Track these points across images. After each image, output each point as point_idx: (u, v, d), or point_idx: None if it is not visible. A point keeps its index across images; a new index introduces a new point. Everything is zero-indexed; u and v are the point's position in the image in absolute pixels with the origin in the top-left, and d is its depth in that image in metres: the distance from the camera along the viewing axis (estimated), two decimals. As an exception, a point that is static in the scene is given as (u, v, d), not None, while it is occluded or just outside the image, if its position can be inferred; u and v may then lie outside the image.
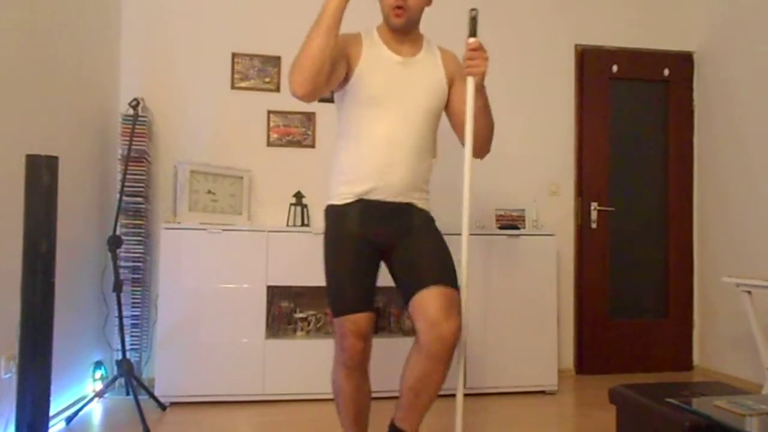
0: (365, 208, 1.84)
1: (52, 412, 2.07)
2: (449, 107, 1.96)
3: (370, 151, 1.83)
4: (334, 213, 1.90)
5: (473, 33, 1.79)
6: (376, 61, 1.84)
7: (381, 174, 1.82)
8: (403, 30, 1.86)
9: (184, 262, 3.04)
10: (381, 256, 1.91)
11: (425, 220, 1.92)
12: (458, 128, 1.95)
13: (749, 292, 2.92)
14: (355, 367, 1.86)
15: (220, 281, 3.07)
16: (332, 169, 1.94)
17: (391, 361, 3.32)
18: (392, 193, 1.84)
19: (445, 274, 1.79)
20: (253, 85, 3.60)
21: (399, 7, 1.80)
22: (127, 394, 2.85)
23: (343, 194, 1.87)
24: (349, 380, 1.89)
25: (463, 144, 1.89)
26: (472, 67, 1.79)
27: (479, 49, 1.78)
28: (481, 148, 1.94)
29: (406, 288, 1.83)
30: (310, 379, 3.07)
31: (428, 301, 1.73)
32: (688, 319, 4.00)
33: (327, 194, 1.95)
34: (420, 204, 1.92)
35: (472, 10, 1.79)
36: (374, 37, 1.89)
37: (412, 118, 1.85)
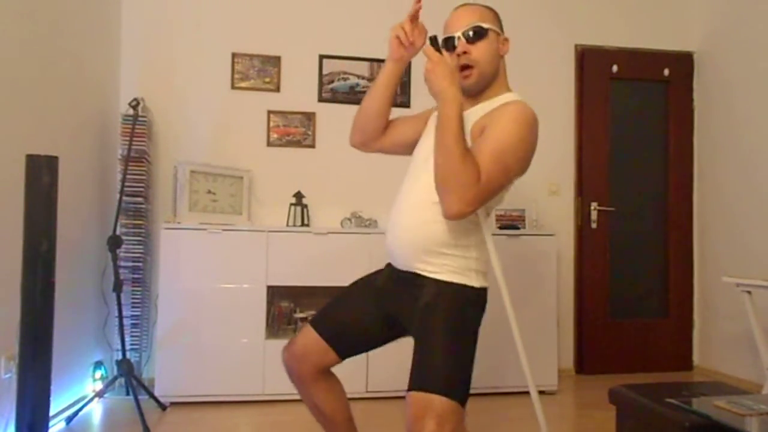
0: (392, 274, 1.72)
1: (52, 412, 2.07)
2: None
3: (394, 215, 1.68)
4: (378, 270, 1.81)
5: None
6: (427, 137, 1.68)
7: (390, 239, 1.68)
8: (476, 89, 1.64)
9: (184, 262, 3.04)
10: (393, 329, 1.74)
11: (433, 296, 1.57)
12: None
13: (749, 292, 2.92)
14: (294, 381, 1.79)
15: (220, 281, 3.07)
16: None
17: (391, 361, 3.32)
18: (402, 260, 1.66)
19: (430, 376, 1.46)
20: (253, 85, 3.60)
21: (464, 67, 1.60)
22: (127, 394, 2.85)
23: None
24: (300, 391, 1.81)
25: None
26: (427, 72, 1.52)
27: (430, 57, 1.50)
28: (443, 199, 1.48)
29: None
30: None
31: (407, 403, 1.46)
32: (688, 319, 4.00)
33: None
34: (428, 272, 1.59)
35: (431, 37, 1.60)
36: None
37: (428, 179, 1.55)
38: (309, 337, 1.74)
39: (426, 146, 1.65)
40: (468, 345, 1.60)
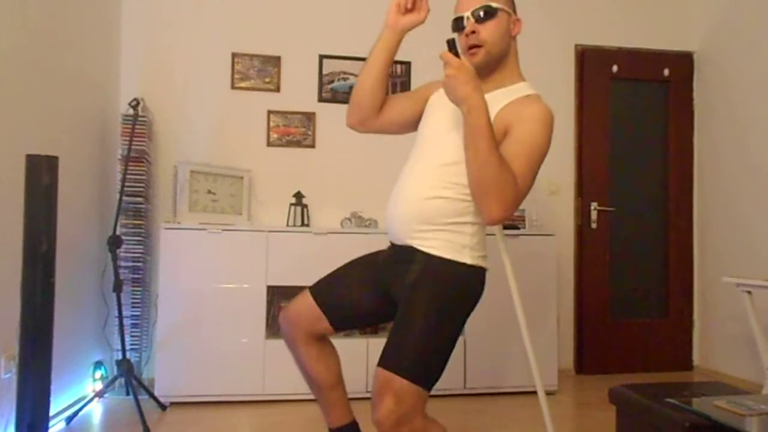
0: (393, 251, 1.75)
1: (52, 412, 2.07)
2: None
3: (392, 198, 1.70)
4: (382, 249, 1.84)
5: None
6: (433, 113, 1.71)
7: (390, 215, 1.69)
8: (485, 68, 1.62)
9: (184, 262, 3.04)
10: (389, 304, 1.71)
11: (421, 273, 1.57)
12: None
13: (749, 292, 2.92)
14: (288, 338, 1.82)
15: (220, 281, 3.07)
16: None
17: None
18: (399, 235, 1.66)
19: (399, 356, 1.49)
20: (253, 85, 3.60)
21: (472, 46, 1.60)
22: (127, 394, 2.85)
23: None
24: (292, 353, 1.84)
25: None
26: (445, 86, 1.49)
27: (449, 62, 1.45)
28: (482, 206, 1.49)
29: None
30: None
31: (376, 382, 1.50)
32: (688, 319, 4.00)
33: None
34: (424, 247, 1.59)
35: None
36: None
37: (439, 158, 1.61)
38: (305, 302, 1.79)
39: (431, 124, 1.70)
40: (449, 328, 1.56)
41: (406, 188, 1.65)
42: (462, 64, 1.46)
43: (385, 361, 1.49)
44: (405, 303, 1.56)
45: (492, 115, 1.50)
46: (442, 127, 1.65)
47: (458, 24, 1.64)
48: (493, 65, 1.64)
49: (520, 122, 1.55)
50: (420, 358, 1.49)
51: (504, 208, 1.46)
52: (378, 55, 1.72)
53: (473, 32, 1.59)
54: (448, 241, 1.59)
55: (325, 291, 1.80)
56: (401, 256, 1.65)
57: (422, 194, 1.60)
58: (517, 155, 1.49)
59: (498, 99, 1.60)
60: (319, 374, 1.82)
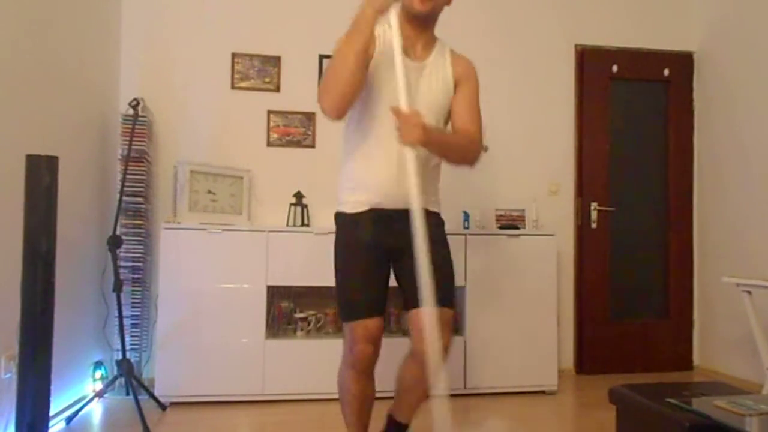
0: (378, 217, 1.85)
1: (52, 412, 2.07)
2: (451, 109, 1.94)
3: (379, 160, 1.82)
4: (345, 220, 1.90)
5: None
6: (388, 68, 1.74)
7: (392, 183, 1.81)
8: (424, 21, 1.79)
9: (184, 262, 3.03)
10: (391, 261, 1.92)
11: (434, 226, 1.89)
12: (453, 127, 1.94)
13: (749, 292, 2.92)
14: (363, 370, 1.90)
15: (220, 281, 3.07)
16: (341, 176, 1.94)
17: (391, 361, 3.31)
18: (403, 200, 1.75)
19: (445, 294, 1.82)
20: (253, 85, 3.60)
21: None
22: (127, 394, 2.85)
23: (354, 203, 1.87)
24: (357, 382, 1.92)
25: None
26: (404, 137, 1.66)
27: (406, 116, 1.64)
28: (460, 164, 1.91)
29: (408, 300, 1.88)
30: (310, 379, 3.07)
31: (417, 319, 1.79)
32: (688, 319, 4.00)
33: (336, 200, 1.95)
34: (431, 207, 1.91)
35: None
36: (387, 31, 1.76)
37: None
38: (371, 323, 1.84)
39: (411, 90, 1.77)
40: None
41: (407, 165, 1.71)
42: (411, 115, 1.64)
43: (443, 301, 1.77)
44: (434, 251, 1.76)
45: (447, 59, 1.87)
46: (417, 98, 1.80)
47: None
48: (433, 18, 1.83)
49: (468, 79, 1.90)
50: (453, 292, 1.96)
51: (478, 157, 1.92)
52: (365, 41, 1.65)
53: None
54: (437, 200, 1.99)
55: (376, 303, 1.87)
56: (400, 218, 1.76)
57: (425, 164, 1.84)
58: (474, 111, 1.90)
59: (444, 47, 1.90)
60: (373, 393, 2.01)
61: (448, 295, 1.85)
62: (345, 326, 1.89)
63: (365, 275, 1.86)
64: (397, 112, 1.64)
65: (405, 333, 3.33)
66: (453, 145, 1.85)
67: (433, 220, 1.91)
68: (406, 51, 1.77)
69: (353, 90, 1.69)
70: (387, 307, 3.43)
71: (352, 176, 1.88)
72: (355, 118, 1.85)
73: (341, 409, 2.02)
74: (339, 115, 1.74)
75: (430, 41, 1.89)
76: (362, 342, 1.83)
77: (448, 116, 1.93)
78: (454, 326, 1.89)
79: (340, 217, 1.93)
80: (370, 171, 1.84)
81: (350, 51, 1.64)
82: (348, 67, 1.65)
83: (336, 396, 3.08)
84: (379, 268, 1.88)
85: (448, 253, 1.93)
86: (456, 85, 1.89)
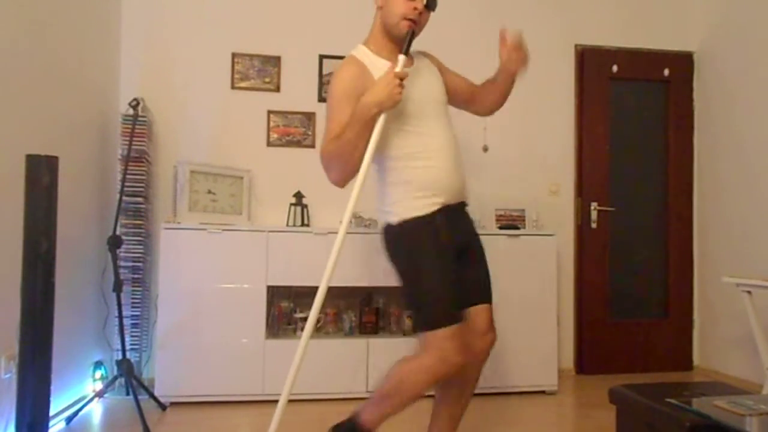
0: (447, 216, 1.85)
1: (52, 412, 2.07)
2: (450, 89, 2.03)
3: (440, 159, 1.86)
4: (418, 224, 1.83)
5: (405, 51, 1.81)
6: (415, 73, 1.89)
7: (455, 178, 1.89)
8: (402, 42, 1.85)
9: (184, 262, 3.04)
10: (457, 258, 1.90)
11: (473, 222, 2.04)
12: (467, 98, 2.10)
13: (749, 292, 2.92)
14: (449, 377, 1.83)
15: (220, 281, 3.07)
16: (396, 185, 1.88)
17: (391, 361, 3.30)
18: (458, 194, 1.91)
19: (489, 291, 1.97)
20: (253, 85, 3.60)
21: (413, 20, 1.82)
22: (127, 394, 2.85)
23: (424, 205, 1.83)
24: (430, 387, 1.85)
25: (478, 109, 2.15)
26: (518, 62, 1.97)
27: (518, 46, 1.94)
28: (497, 108, 2.13)
29: (471, 295, 1.90)
30: (310, 379, 3.07)
31: (482, 314, 1.92)
32: (688, 319, 4.00)
33: (394, 210, 1.87)
34: (466, 200, 2.01)
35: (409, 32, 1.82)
36: (374, 59, 1.88)
37: (443, 120, 1.93)
38: (462, 329, 1.81)
39: (423, 89, 1.90)
40: None
41: (451, 152, 1.88)
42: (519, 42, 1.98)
43: (487, 298, 1.92)
44: (475, 248, 1.96)
45: (425, 60, 2.01)
46: (428, 97, 1.91)
47: None
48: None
49: (445, 68, 2.08)
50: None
51: None
52: (371, 130, 1.74)
53: (420, 12, 1.82)
54: None
55: (457, 307, 1.83)
56: (459, 210, 1.93)
57: (460, 157, 1.92)
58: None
59: (417, 53, 2.00)
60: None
61: (489, 292, 1.98)
62: (431, 335, 1.76)
63: (449, 278, 1.80)
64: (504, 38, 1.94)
65: (405, 333, 3.33)
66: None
67: (469, 215, 2.04)
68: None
69: (357, 165, 1.78)
70: (387, 307, 3.49)
71: (417, 185, 1.84)
72: (388, 133, 1.84)
73: (386, 399, 1.87)
74: (341, 184, 1.88)
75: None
76: (459, 354, 1.74)
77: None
78: None
79: (407, 222, 1.84)
80: (428, 174, 1.83)
81: (361, 142, 1.74)
82: (358, 156, 1.76)
83: (336, 396, 3.10)
84: (453, 268, 1.84)
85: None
86: (441, 74, 2.04)
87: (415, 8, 1.81)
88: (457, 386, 1.96)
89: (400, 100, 1.72)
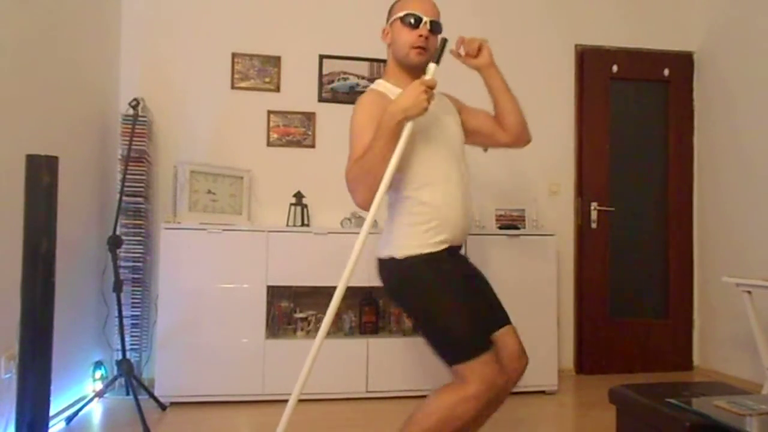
0: (450, 253, 1.85)
1: (52, 412, 2.07)
2: (470, 128, 2.03)
3: (452, 197, 1.84)
4: (423, 260, 1.79)
5: (437, 60, 1.75)
6: (435, 114, 1.87)
7: (463, 219, 1.87)
8: (417, 69, 1.82)
9: (184, 262, 3.04)
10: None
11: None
12: (489, 133, 2.06)
13: (749, 292, 2.92)
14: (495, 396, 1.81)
15: (220, 281, 3.07)
16: (403, 219, 1.85)
17: (391, 361, 3.32)
18: (462, 237, 1.91)
19: (507, 314, 1.99)
20: (253, 85, 3.60)
21: (422, 47, 1.84)
22: (127, 394, 2.85)
23: (432, 243, 1.80)
24: (476, 413, 1.79)
25: (504, 139, 2.06)
26: (477, 52, 1.93)
27: (467, 39, 1.92)
28: (522, 130, 2.06)
29: (486, 321, 1.89)
30: (310, 379, 3.06)
31: (511, 337, 1.94)
32: (688, 319, 4.00)
33: (397, 243, 1.83)
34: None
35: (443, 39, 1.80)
36: (394, 90, 1.86)
37: (458, 161, 1.91)
38: (494, 357, 1.77)
39: (440, 129, 1.89)
40: None
41: (462, 196, 1.87)
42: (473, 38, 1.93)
43: (508, 319, 1.95)
44: (478, 275, 2.00)
45: (443, 97, 2.01)
46: (444, 130, 1.90)
47: (415, 20, 1.83)
48: (422, 68, 1.82)
49: (464, 106, 2.09)
50: None
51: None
52: (397, 141, 1.68)
53: (426, 38, 1.83)
54: None
55: (487, 333, 1.86)
56: (457, 250, 1.94)
57: (469, 205, 1.92)
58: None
59: (444, 101, 2.02)
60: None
61: (508, 316, 1.99)
62: (467, 367, 1.71)
63: (467, 305, 1.79)
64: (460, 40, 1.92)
65: (405, 333, 3.33)
66: (513, 95, 2.03)
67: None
68: None
69: (380, 182, 1.72)
70: (387, 307, 3.47)
71: (420, 216, 1.82)
72: (405, 167, 1.82)
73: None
74: (369, 204, 1.75)
75: None
76: (502, 376, 1.75)
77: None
78: None
79: (413, 259, 1.80)
80: (440, 210, 1.82)
81: (389, 154, 1.68)
82: (385, 168, 1.69)
83: (336, 396, 3.10)
84: (469, 294, 1.85)
85: None
86: (460, 114, 2.03)
87: (421, 35, 1.82)
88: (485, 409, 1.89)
89: (427, 108, 1.66)
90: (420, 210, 1.82)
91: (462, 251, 2.00)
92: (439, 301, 1.77)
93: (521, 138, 2.07)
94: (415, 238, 1.80)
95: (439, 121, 1.90)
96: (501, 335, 1.90)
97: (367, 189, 1.72)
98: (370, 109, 1.79)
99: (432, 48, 1.84)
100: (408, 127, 1.67)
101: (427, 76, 1.69)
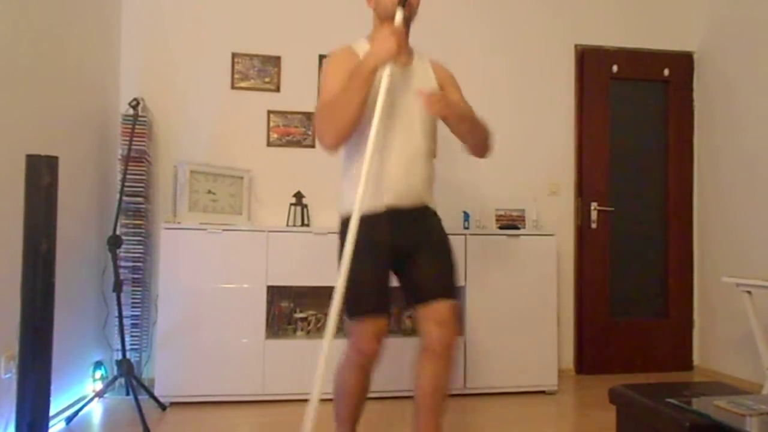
0: (393, 217, 1.89)
1: (52, 412, 2.07)
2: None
3: (390, 162, 1.88)
4: (361, 222, 1.82)
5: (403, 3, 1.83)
6: (380, 80, 1.84)
7: (404, 183, 1.89)
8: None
9: (184, 262, 3.04)
10: (401, 258, 1.94)
11: (437, 223, 2.02)
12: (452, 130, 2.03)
13: (749, 292, 2.92)
14: (369, 368, 1.94)
15: (220, 281, 3.07)
16: (349, 181, 1.94)
17: (391, 361, 3.31)
18: (412, 199, 1.92)
19: (452, 289, 1.93)
20: (253, 85, 3.60)
21: (408, 1, 1.85)
22: (127, 394, 2.85)
23: (370, 204, 1.86)
24: (359, 380, 1.96)
25: (465, 147, 2.03)
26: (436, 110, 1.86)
27: (432, 97, 1.84)
28: (479, 150, 2.05)
29: (418, 295, 1.92)
30: (310, 379, 3.05)
31: (438, 310, 1.87)
32: (688, 319, 4.00)
33: (343, 202, 1.95)
34: (431, 204, 2.01)
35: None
36: (365, 48, 1.91)
37: (418, 126, 1.93)
38: (381, 319, 1.87)
39: (406, 90, 1.91)
40: None
41: (413, 161, 1.89)
42: (432, 93, 1.85)
43: (444, 293, 1.88)
44: (432, 246, 1.95)
45: (427, 65, 2.01)
46: (409, 101, 1.91)
47: None
48: (408, 28, 1.93)
49: (451, 84, 2.06)
50: (455, 284, 1.96)
51: (492, 144, 2.10)
52: (369, 87, 1.76)
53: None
54: (434, 199, 2.04)
55: (378, 302, 1.89)
56: (417, 213, 1.94)
57: (427, 163, 1.95)
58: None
59: (421, 55, 2.03)
60: (369, 388, 2.03)
61: (455, 287, 1.95)
62: (351, 323, 1.89)
63: (377, 273, 1.89)
64: (420, 92, 1.86)
65: (405, 333, 3.33)
66: (474, 120, 1.97)
67: (436, 220, 2.03)
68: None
69: (354, 128, 1.81)
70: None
71: (358, 175, 1.85)
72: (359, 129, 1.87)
73: (335, 405, 2.05)
74: (339, 145, 1.87)
75: (409, 49, 1.99)
76: (373, 340, 1.86)
77: (436, 122, 2.03)
78: (459, 317, 1.99)
79: (344, 218, 1.92)
80: (381, 174, 1.88)
81: (358, 97, 1.76)
82: (353, 111, 1.77)
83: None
84: (388, 267, 1.93)
85: (451, 248, 2.01)
86: (442, 89, 2.01)
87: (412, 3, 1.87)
88: (424, 397, 1.93)
89: (395, 51, 1.73)
90: (359, 168, 1.86)
91: (425, 214, 1.98)
92: (351, 259, 1.82)
93: (477, 155, 2.08)
94: (352, 196, 1.86)
95: (410, 81, 1.94)
96: (431, 304, 1.88)
97: (334, 131, 1.81)
98: (340, 58, 1.92)
99: (415, 6, 1.90)
100: (385, 78, 1.75)
101: (396, 23, 1.79)
